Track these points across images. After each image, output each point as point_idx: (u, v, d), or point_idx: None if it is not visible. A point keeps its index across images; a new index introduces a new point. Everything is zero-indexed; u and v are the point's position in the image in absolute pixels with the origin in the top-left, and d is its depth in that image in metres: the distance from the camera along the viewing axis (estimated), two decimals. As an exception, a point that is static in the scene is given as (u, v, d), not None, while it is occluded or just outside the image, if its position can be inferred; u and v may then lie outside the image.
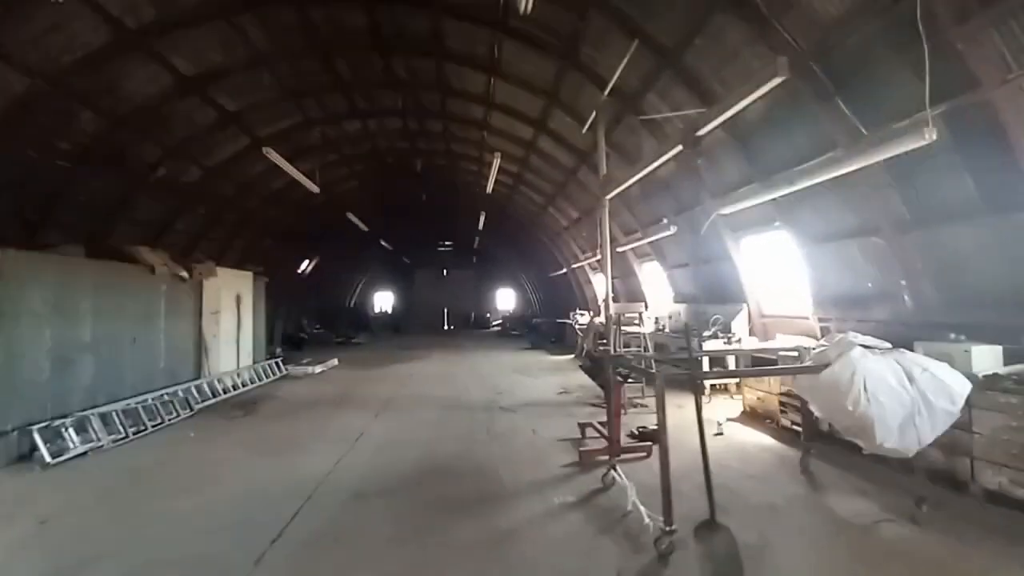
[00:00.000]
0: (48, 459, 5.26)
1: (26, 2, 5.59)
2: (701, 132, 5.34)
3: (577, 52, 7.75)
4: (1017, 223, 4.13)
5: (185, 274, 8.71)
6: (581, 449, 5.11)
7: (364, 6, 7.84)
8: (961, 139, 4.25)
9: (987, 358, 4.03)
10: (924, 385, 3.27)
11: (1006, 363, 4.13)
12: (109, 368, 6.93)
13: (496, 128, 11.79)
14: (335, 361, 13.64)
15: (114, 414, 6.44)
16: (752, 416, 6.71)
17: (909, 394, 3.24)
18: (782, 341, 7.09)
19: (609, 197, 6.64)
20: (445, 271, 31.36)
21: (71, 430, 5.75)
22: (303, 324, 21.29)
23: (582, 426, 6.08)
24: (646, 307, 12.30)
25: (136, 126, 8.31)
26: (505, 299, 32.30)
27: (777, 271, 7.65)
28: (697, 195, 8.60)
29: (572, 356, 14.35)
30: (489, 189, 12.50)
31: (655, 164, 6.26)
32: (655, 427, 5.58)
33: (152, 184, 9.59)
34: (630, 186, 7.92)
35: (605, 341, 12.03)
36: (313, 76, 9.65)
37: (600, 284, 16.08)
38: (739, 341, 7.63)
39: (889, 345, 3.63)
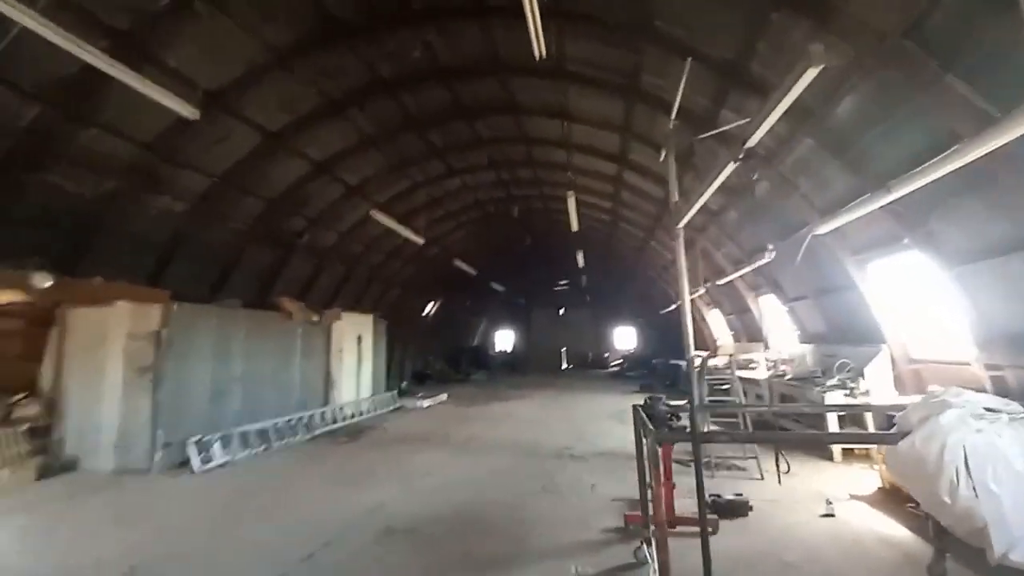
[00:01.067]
0: (196, 468, 6.75)
1: (198, 124, 7.75)
2: (750, 143, 4.75)
3: (638, 83, 7.57)
4: None
5: (316, 318, 10.51)
6: (627, 513, 4.56)
7: (443, 84, 8.97)
8: None
9: None
10: None
11: None
12: (253, 397, 8.64)
13: (580, 167, 11.94)
14: (444, 397, 14.61)
15: (252, 434, 7.97)
16: (889, 494, 5.13)
17: None
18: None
19: (681, 225, 6.12)
20: (562, 311, 31.45)
21: (217, 445, 7.28)
22: (429, 361, 23.43)
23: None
24: (766, 347, 10.61)
25: (285, 205, 10.62)
26: (624, 338, 30.78)
27: (926, 303, 5.95)
28: (803, 216, 7.34)
29: (684, 402, 12.90)
30: (574, 227, 12.50)
31: (714, 183, 5.68)
32: (738, 495, 4.77)
33: (299, 249, 11.99)
34: (703, 210, 7.18)
35: (727, 387, 10.71)
36: (412, 148, 11.19)
37: (717, 321, 14.41)
38: (866, 393, 6.02)
39: (1018, 408, 2.57)
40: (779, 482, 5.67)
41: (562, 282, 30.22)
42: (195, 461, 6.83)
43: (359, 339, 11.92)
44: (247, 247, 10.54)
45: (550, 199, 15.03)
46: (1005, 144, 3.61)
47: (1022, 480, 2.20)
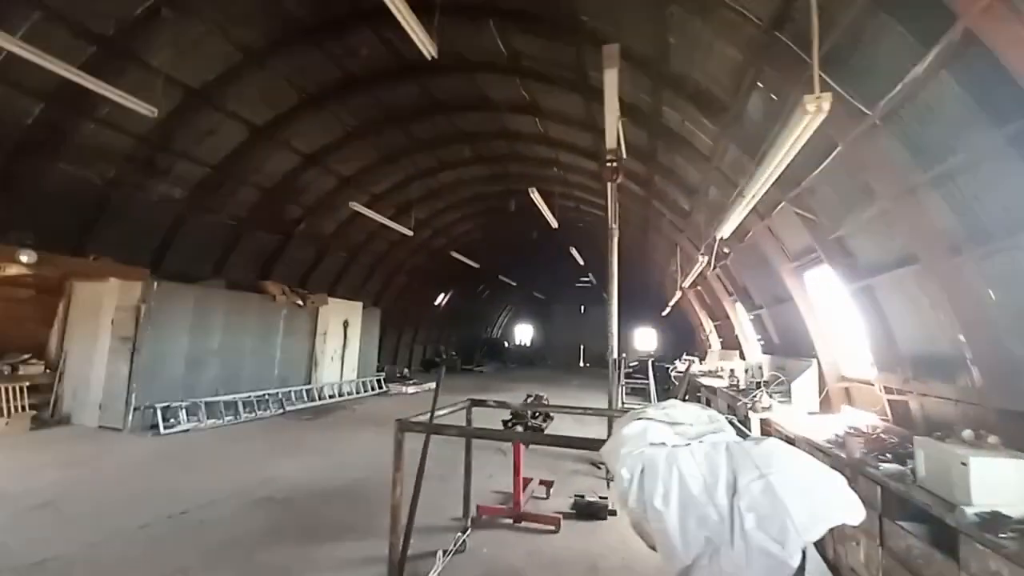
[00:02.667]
0: (162, 430, 7.54)
1: (192, 115, 8.50)
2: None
3: (587, 79, 7.42)
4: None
5: (300, 302, 11.22)
6: (479, 504, 4.66)
7: (412, 80, 9.23)
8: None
9: (997, 478, 2.25)
10: (750, 502, 2.09)
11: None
12: (231, 371, 9.44)
13: (567, 164, 11.86)
14: (434, 385, 15.05)
15: (220, 404, 8.74)
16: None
17: (717, 510, 2.10)
18: (847, 418, 5.04)
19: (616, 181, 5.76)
20: (583, 308, 31.13)
21: (183, 412, 8.07)
22: (440, 350, 24.09)
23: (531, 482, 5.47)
24: (741, 356, 10.11)
25: (280, 194, 11.35)
26: (645, 339, 29.97)
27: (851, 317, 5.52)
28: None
29: (663, 407, 12.56)
30: (553, 224, 12.36)
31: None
32: (603, 499, 4.73)
33: (298, 236, 12.77)
34: (676, 209, 6.94)
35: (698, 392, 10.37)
36: (398, 141, 11.54)
37: (709, 324, 13.80)
38: (768, 408, 5.68)
39: (724, 425, 2.46)
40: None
41: (584, 279, 29.89)
42: (160, 424, 7.62)
43: (345, 324, 12.57)
44: (245, 232, 11.39)
45: (545, 195, 14.92)
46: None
47: (693, 503, 2.11)
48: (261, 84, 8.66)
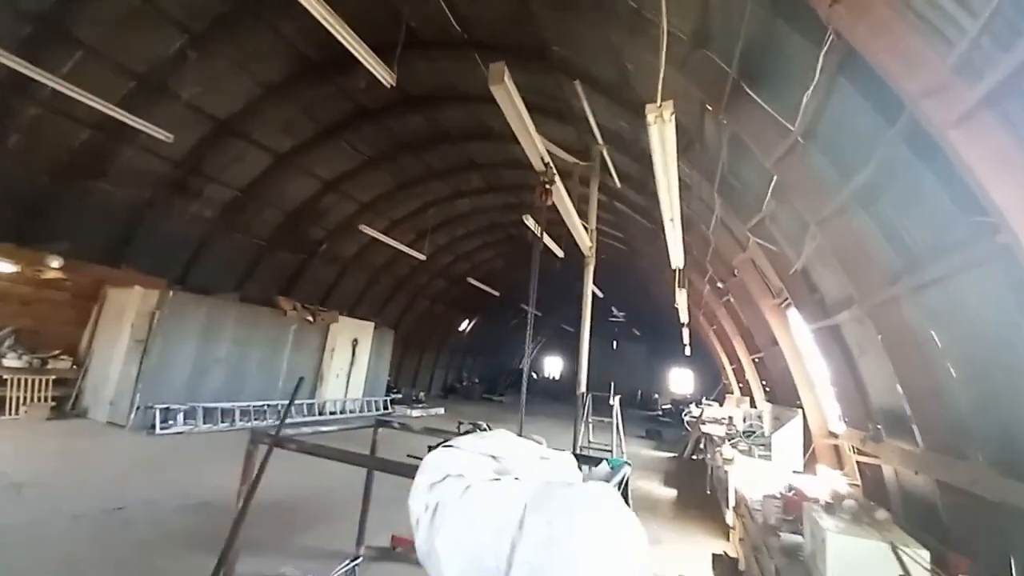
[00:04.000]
0: (158, 430, 8.00)
1: (218, 142, 9.41)
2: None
3: (571, 108, 7.44)
4: None
5: (311, 318, 11.71)
6: (394, 535, 4.44)
7: (416, 111, 9.71)
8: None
9: (857, 559, 1.80)
10: (525, 554, 1.79)
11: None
12: (236, 379, 9.92)
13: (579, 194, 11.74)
14: (442, 411, 14.97)
15: (219, 411, 9.16)
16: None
17: (496, 558, 1.82)
18: (820, 480, 4.39)
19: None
20: (615, 343, 30.09)
21: (181, 415, 8.53)
22: (462, 376, 24.05)
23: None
24: (752, 404, 9.24)
25: (303, 217, 12.14)
26: (680, 380, 28.28)
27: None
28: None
29: (673, 455, 11.66)
30: (560, 254, 12.15)
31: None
32: None
33: (319, 256, 13.49)
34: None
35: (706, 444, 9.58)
36: (413, 169, 12.08)
37: (728, 367, 12.79)
38: (732, 459, 5.05)
39: (559, 464, 2.20)
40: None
41: (618, 313, 29.04)
42: (157, 425, 8.09)
43: (354, 342, 12.91)
44: (269, 251, 12.21)
45: (555, 223, 14.87)
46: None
47: (479, 548, 1.86)
48: (281, 115, 9.47)
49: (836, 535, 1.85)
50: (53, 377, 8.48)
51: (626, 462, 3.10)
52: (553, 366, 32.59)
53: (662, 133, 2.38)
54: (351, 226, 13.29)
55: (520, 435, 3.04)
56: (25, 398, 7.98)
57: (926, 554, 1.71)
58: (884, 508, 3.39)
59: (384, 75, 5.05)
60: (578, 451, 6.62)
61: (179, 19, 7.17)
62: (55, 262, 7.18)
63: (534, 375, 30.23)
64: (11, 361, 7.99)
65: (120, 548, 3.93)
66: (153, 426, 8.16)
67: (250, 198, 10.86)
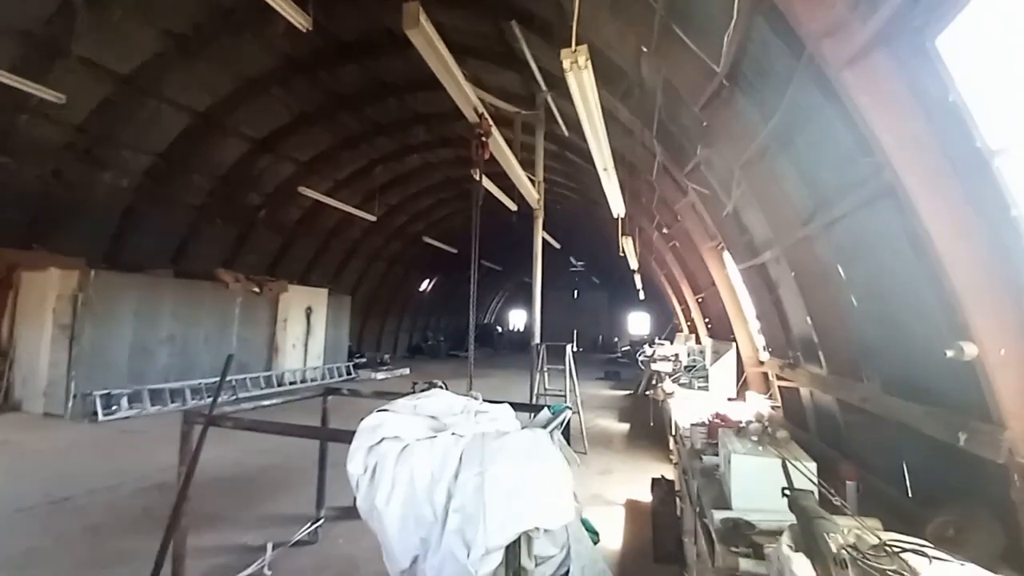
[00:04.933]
0: (100, 417, 7.64)
1: (126, 107, 8.44)
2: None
3: (513, 51, 7.11)
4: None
5: (257, 289, 11.22)
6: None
7: (352, 61, 8.98)
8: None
9: (755, 480, 2.02)
10: (461, 500, 1.86)
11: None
12: (183, 358, 9.52)
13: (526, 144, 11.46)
14: (407, 371, 15.09)
15: (167, 392, 8.83)
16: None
17: (433, 509, 1.91)
18: (745, 405, 4.80)
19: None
20: (576, 293, 30.87)
21: (125, 399, 8.16)
22: (427, 336, 24.15)
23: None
24: (697, 341, 9.82)
25: (235, 182, 11.28)
26: (638, 323, 29.65)
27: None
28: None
29: (628, 392, 12.40)
30: (513, 207, 12.04)
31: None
32: None
33: (260, 224, 12.72)
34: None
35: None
36: (354, 125, 11.34)
37: (677, 307, 13.45)
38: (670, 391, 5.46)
39: (494, 417, 2.28)
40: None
41: (578, 263, 29.54)
42: (99, 411, 7.72)
43: (308, 310, 12.57)
44: (202, 222, 11.38)
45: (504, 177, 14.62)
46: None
47: (417, 503, 1.94)
48: (194, 69, 8.51)
49: (739, 455, 2.05)
50: (-25, 372, 7.84)
51: (567, 407, 3.27)
52: (518, 319, 33.20)
53: (580, 80, 2.30)
54: (291, 189, 12.52)
55: (469, 391, 3.13)
56: (-56, 397, 7.37)
57: (813, 466, 1.94)
58: (800, 427, 3.78)
59: (296, 17, 4.57)
60: (534, 400, 6.92)
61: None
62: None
63: (499, 329, 30.76)
64: (-81, 359, 7.28)
65: (72, 536, 3.85)
66: (95, 413, 7.79)
67: (172, 164, 9.93)
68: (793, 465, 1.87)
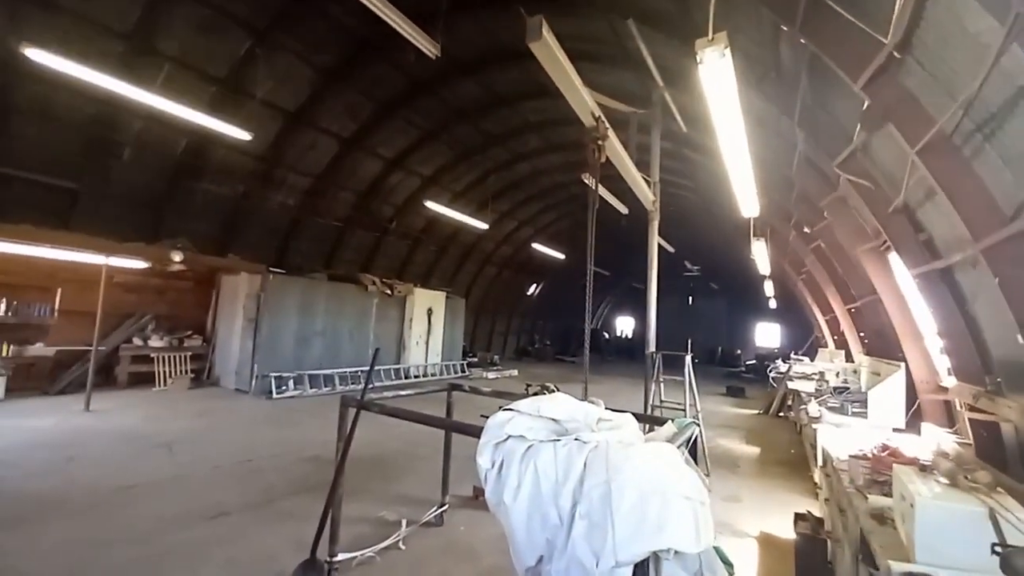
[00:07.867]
0: (274, 395, 9.26)
1: (294, 135, 10.13)
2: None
3: (628, 51, 6.90)
4: None
5: (389, 291, 12.56)
6: (476, 485, 4.81)
7: (468, 77, 9.59)
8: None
9: (947, 529, 1.64)
10: (587, 507, 1.86)
11: None
12: (332, 348, 11.08)
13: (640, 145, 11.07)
14: (515, 372, 15.54)
15: (321, 377, 10.34)
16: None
17: (559, 512, 1.93)
18: (924, 439, 3.99)
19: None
20: (691, 299, 28.74)
21: (292, 381, 9.75)
22: (534, 339, 24.55)
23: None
24: (848, 358, 8.47)
25: (373, 196, 12.81)
26: (767, 335, 26.43)
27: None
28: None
29: (756, 412, 11.14)
30: (624, 211, 11.57)
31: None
32: None
33: (392, 232, 14.24)
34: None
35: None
36: (471, 138, 12.10)
37: (821, 319, 11.71)
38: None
39: (617, 425, 2.23)
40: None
41: (692, 268, 27.54)
42: (273, 391, 9.35)
43: (429, 311, 13.67)
44: (347, 231, 13.13)
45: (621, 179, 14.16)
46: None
47: (542, 503, 1.97)
48: (342, 100, 9.89)
49: (926, 500, 1.71)
50: (189, 353, 10.05)
51: (694, 422, 3.06)
52: (625, 325, 32.06)
53: (715, 71, 2.15)
54: (417, 201, 13.80)
55: (585, 397, 3.12)
56: (170, 372, 9.59)
57: (1034, 520, 1.53)
58: (1000, 469, 3.03)
59: (426, 45, 5.04)
60: (649, 411, 6.59)
61: (244, 17, 7.65)
62: (176, 256, 8.35)
63: (606, 335, 30.02)
64: (156, 342, 9.59)
65: (253, 491, 4.71)
66: (271, 391, 9.43)
67: (326, 184, 11.64)
68: (1004, 518, 1.51)
